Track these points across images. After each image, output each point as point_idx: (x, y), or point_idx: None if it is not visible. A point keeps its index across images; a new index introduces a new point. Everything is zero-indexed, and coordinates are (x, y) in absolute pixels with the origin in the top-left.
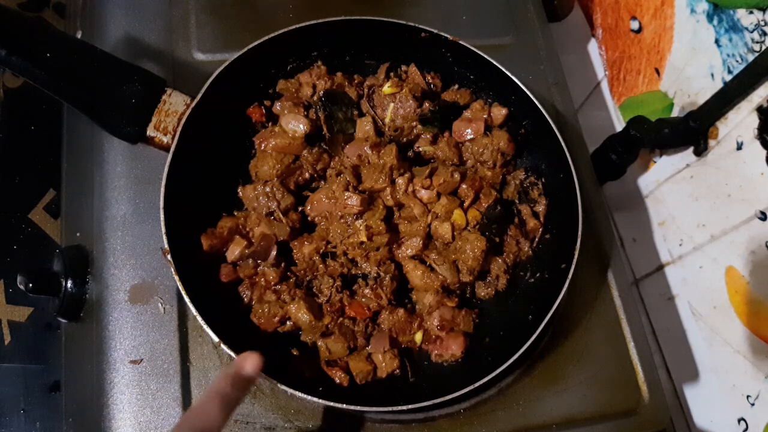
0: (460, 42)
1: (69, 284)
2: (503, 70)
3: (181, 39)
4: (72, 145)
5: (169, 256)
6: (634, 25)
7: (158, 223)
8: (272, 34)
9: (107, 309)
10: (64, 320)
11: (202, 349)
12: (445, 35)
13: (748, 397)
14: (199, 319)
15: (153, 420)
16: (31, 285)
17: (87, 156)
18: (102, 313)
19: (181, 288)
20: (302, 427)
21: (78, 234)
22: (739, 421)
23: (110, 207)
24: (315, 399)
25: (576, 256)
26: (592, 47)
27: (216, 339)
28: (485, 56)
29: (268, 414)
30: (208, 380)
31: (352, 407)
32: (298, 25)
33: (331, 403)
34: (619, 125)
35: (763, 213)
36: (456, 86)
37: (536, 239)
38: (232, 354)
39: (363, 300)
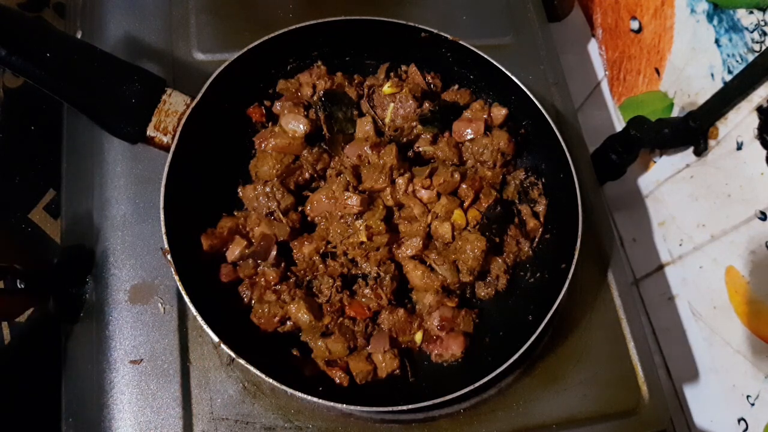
0: (460, 42)
1: (69, 284)
2: (503, 70)
3: (181, 39)
4: (72, 145)
5: (169, 256)
6: (634, 25)
7: (158, 223)
8: (272, 34)
9: (107, 309)
10: (64, 320)
11: (202, 349)
12: (445, 35)
13: (748, 397)
14: (199, 319)
15: (153, 420)
16: (30, 285)
17: (87, 156)
18: (102, 313)
19: (181, 288)
20: (302, 427)
21: (78, 234)
22: (739, 421)
23: (110, 207)
24: (315, 399)
25: (576, 256)
26: (592, 47)
27: (216, 339)
28: (485, 56)
29: (268, 414)
30: (208, 380)
31: (352, 407)
32: (298, 25)
33: (331, 403)
34: (619, 125)
35: (763, 213)
36: (456, 86)
37: (536, 239)
38: (232, 354)
39: (363, 300)
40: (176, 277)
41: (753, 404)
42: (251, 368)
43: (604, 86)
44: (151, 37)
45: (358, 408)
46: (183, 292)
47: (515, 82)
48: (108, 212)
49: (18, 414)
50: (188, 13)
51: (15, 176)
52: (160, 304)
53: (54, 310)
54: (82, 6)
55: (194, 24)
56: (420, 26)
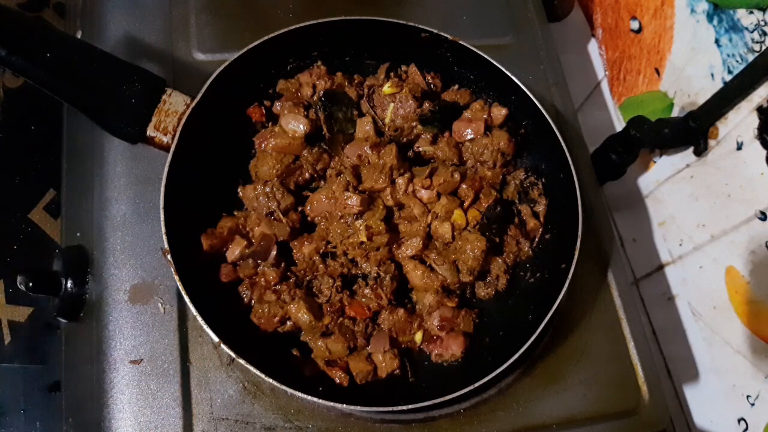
0: (460, 42)
1: (69, 284)
2: (503, 70)
3: (181, 39)
4: (72, 145)
5: (169, 256)
6: (634, 25)
7: (158, 223)
8: (272, 34)
9: (107, 309)
10: (64, 320)
11: (202, 349)
12: (445, 35)
13: (748, 397)
14: (199, 319)
15: (153, 420)
16: (31, 285)
17: (87, 156)
18: (102, 313)
19: (181, 288)
20: (302, 427)
21: (78, 234)
22: (739, 421)
23: (110, 207)
24: (315, 399)
25: (576, 256)
26: (592, 47)
27: (216, 339)
28: (485, 56)
29: (268, 414)
30: (208, 380)
31: (352, 407)
32: (298, 25)
33: (331, 403)
34: (619, 125)
35: (763, 213)
36: (456, 86)
37: (536, 239)
38: (232, 354)
39: (363, 300)
40: (176, 277)
41: (753, 404)
42: (251, 368)
43: (604, 86)
44: (151, 37)
45: (358, 408)
46: (183, 292)
47: (515, 82)
48: (108, 212)
49: (18, 414)
50: (188, 13)
51: (15, 176)
52: (160, 304)
53: (54, 310)
54: (82, 6)
55: (194, 24)
56: (420, 26)
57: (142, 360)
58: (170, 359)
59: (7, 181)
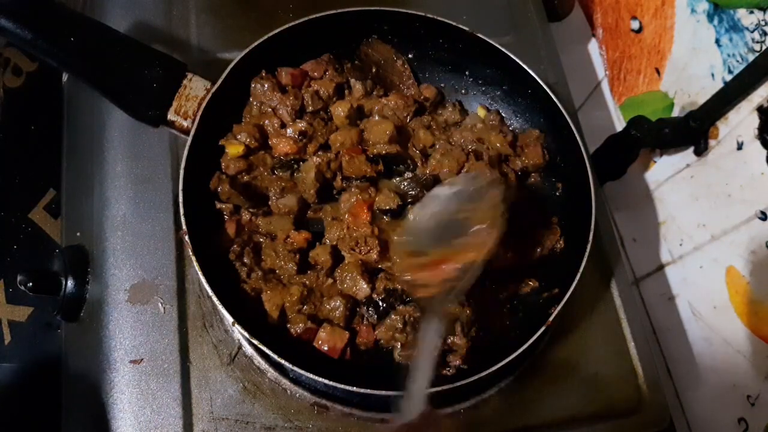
0: (478, 35)
1: (69, 284)
2: (521, 64)
3: (181, 39)
4: (72, 145)
5: (187, 237)
6: (635, 24)
7: (158, 223)
8: (292, 23)
9: (107, 309)
10: (64, 320)
11: (202, 349)
12: (464, 27)
13: (748, 397)
14: (215, 299)
15: (153, 420)
16: (31, 285)
17: (87, 156)
18: (102, 313)
19: (197, 267)
20: (302, 426)
21: (78, 234)
22: (739, 421)
23: (110, 207)
24: (324, 380)
25: (583, 264)
26: (593, 47)
27: (231, 319)
28: (504, 50)
29: (268, 414)
30: (208, 380)
31: (362, 390)
32: (316, 15)
33: (341, 385)
34: (620, 125)
35: (763, 213)
36: (451, 103)
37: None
38: (246, 334)
39: None
40: (193, 258)
41: (753, 404)
42: (266, 349)
43: (605, 86)
44: (151, 37)
45: (350, 387)
46: (199, 273)
47: (533, 77)
48: (108, 212)
49: (18, 414)
50: (188, 13)
51: (15, 176)
52: (160, 304)
53: (54, 310)
54: (81, 6)
55: (194, 24)
56: (439, 18)
57: (142, 360)
58: (170, 359)
59: (7, 181)
